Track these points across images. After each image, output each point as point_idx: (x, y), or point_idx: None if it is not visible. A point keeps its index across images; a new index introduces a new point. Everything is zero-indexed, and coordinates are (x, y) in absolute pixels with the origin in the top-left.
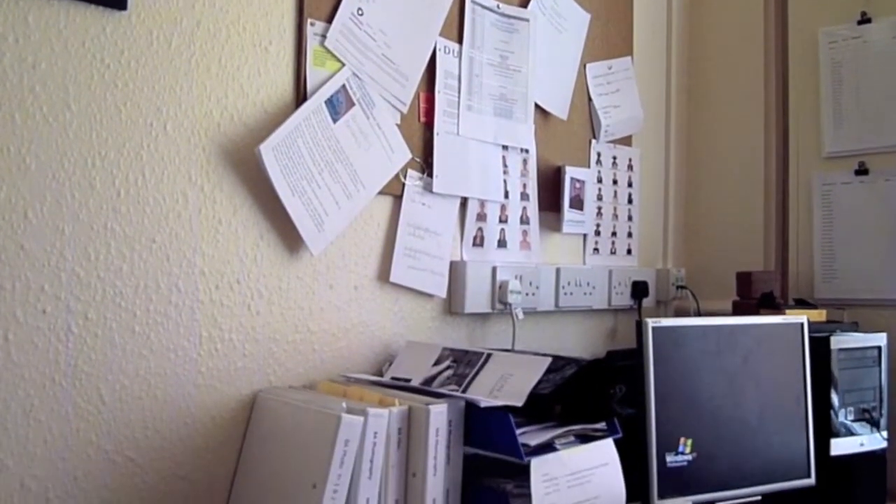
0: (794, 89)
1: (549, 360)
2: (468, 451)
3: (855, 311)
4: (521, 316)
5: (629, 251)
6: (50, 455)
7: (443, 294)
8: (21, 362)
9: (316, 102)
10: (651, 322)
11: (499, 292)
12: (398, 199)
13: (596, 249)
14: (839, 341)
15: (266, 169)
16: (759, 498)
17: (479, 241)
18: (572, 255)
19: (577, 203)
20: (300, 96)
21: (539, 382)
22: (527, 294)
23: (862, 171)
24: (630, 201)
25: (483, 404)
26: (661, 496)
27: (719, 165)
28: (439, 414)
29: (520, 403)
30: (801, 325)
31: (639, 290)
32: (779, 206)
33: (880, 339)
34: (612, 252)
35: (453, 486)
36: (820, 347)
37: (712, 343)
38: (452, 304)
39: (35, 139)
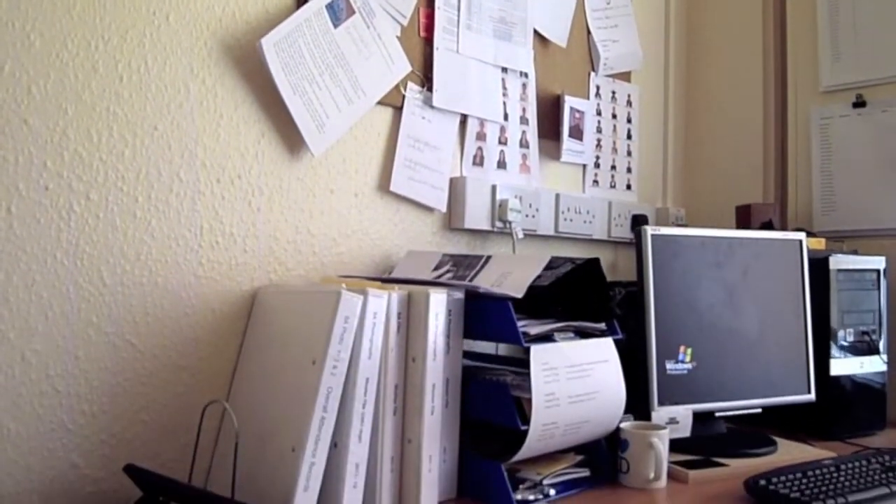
0: (792, 25)
1: (549, 257)
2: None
3: (854, 241)
4: (520, 235)
5: (629, 186)
6: (51, 331)
7: (443, 208)
8: (23, 236)
9: (317, 5)
10: (650, 229)
11: (498, 210)
12: (398, 110)
13: (595, 182)
14: (838, 261)
15: (267, 63)
16: (759, 410)
17: (478, 161)
18: (572, 184)
19: (577, 133)
20: None
21: (538, 277)
22: (526, 215)
23: (859, 103)
24: (629, 137)
25: (482, 290)
26: (661, 403)
27: (718, 103)
28: (439, 300)
29: (519, 295)
30: (800, 241)
31: (639, 223)
32: (777, 141)
33: (879, 262)
34: (612, 186)
35: (453, 377)
36: (819, 268)
37: (711, 254)
38: (452, 220)
39: (39, 17)
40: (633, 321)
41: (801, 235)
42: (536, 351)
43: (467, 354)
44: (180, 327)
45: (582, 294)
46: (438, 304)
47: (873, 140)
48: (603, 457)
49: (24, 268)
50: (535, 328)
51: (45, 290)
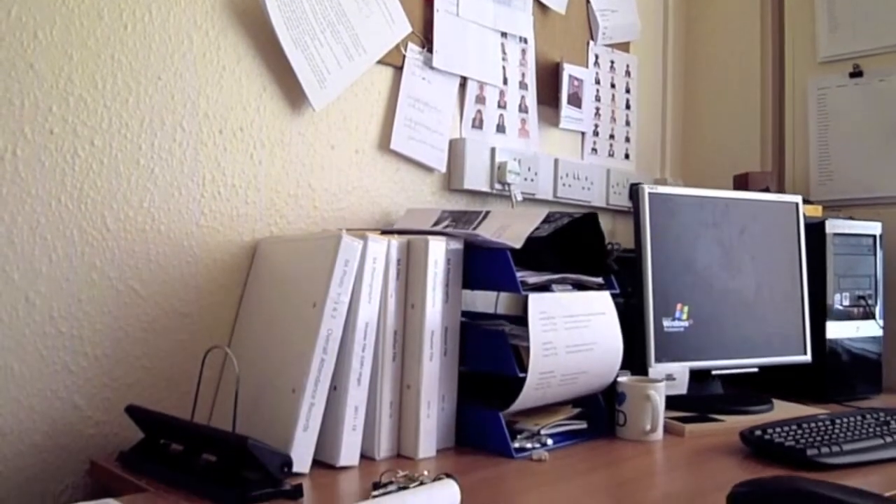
0: None
1: (546, 211)
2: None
3: (850, 210)
4: (519, 197)
5: (627, 156)
6: (54, 273)
7: (442, 168)
8: (28, 178)
9: None
10: (647, 188)
11: (497, 172)
12: (399, 70)
13: (594, 150)
14: (834, 226)
15: (269, 15)
16: (755, 370)
17: (477, 124)
18: (570, 151)
19: (576, 100)
20: None
21: (536, 230)
22: (525, 179)
23: (856, 73)
24: (628, 107)
25: (481, 239)
26: (658, 360)
27: (716, 74)
28: (438, 247)
29: (518, 245)
30: (796, 204)
31: None
32: (775, 112)
33: (875, 227)
34: (611, 155)
35: (451, 326)
36: (815, 232)
37: (708, 214)
38: (452, 181)
39: None
40: (629, 283)
41: (798, 198)
42: (534, 299)
43: (466, 315)
44: (182, 275)
45: (580, 249)
46: (437, 251)
47: (870, 109)
48: (600, 411)
49: (29, 210)
50: (534, 278)
51: (50, 232)
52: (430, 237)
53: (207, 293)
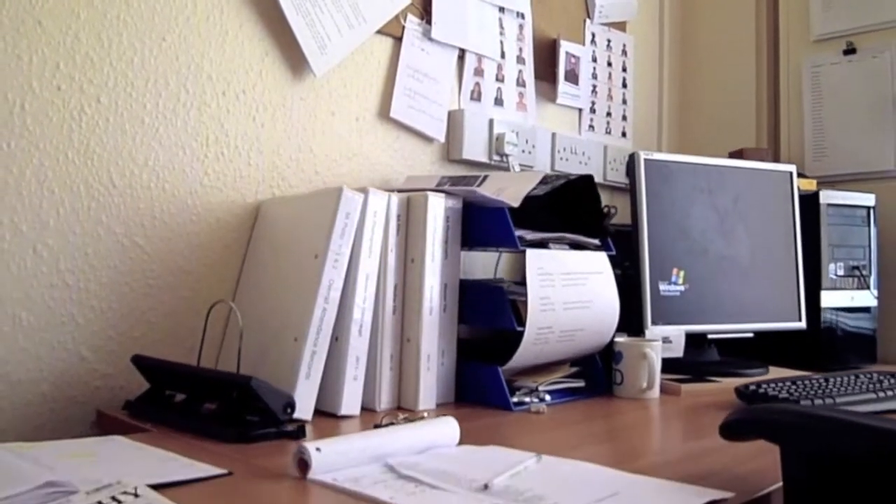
0: None
1: (544, 173)
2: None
3: (845, 185)
4: (517, 169)
5: (624, 134)
6: (62, 227)
7: (441, 138)
8: (36, 133)
9: None
10: (643, 154)
11: (496, 143)
12: (398, 41)
13: (591, 126)
14: (828, 196)
15: None
16: (750, 335)
17: (476, 96)
18: (568, 127)
19: (573, 77)
20: None
21: (534, 190)
22: (523, 151)
23: (850, 50)
24: (624, 85)
25: (480, 196)
26: (655, 323)
27: (712, 53)
28: (437, 202)
29: (516, 204)
30: (790, 173)
31: None
32: (770, 90)
33: (869, 199)
34: (608, 132)
35: (451, 283)
36: (810, 202)
37: (703, 181)
38: (451, 151)
39: None
40: (626, 256)
41: (791, 167)
42: (532, 255)
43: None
44: (186, 233)
45: (577, 212)
46: (437, 207)
47: (864, 86)
48: (597, 370)
49: (37, 164)
50: (531, 236)
51: (57, 186)
52: (429, 193)
53: (211, 251)
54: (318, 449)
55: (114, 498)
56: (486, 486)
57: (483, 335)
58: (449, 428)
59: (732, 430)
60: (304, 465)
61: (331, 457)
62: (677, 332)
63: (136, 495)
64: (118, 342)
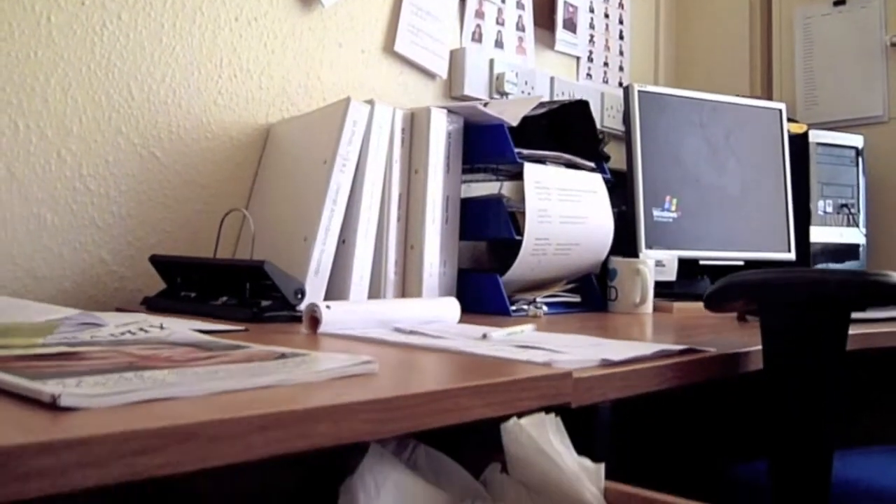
0: None
1: (540, 98)
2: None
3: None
4: None
5: (620, 84)
6: (84, 134)
7: (444, 74)
8: (61, 44)
9: None
10: (637, 86)
11: (496, 82)
12: None
13: (589, 75)
14: (817, 135)
15: None
16: (741, 262)
17: (477, 38)
18: (566, 74)
19: (571, 26)
20: None
21: (532, 111)
22: (522, 92)
23: (840, 1)
24: (621, 37)
25: (480, 111)
26: (648, 247)
27: (707, 6)
28: (440, 116)
29: (514, 123)
30: (780, 111)
31: None
32: (764, 41)
33: (857, 139)
34: (605, 82)
35: (452, 195)
36: (800, 141)
37: (695, 114)
38: (453, 88)
39: None
40: (621, 202)
41: (781, 105)
42: (530, 168)
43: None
44: (201, 149)
45: (573, 137)
46: (439, 121)
47: (852, 35)
48: (592, 288)
49: (62, 73)
50: (529, 152)
51: (80, 95)
52: (432, 108)
53: (224, 168)
54: (328, 306)
55: (141, 328)
56: (484, 336)
57: (482, 258)
58: (452, 306)
59: (718, 296)
60: (314, 322)
61: (340, 314)
62: (670, 257)
63: (161, 328)
64: (136, 248)
